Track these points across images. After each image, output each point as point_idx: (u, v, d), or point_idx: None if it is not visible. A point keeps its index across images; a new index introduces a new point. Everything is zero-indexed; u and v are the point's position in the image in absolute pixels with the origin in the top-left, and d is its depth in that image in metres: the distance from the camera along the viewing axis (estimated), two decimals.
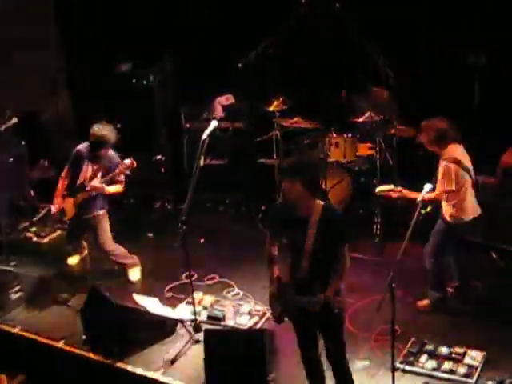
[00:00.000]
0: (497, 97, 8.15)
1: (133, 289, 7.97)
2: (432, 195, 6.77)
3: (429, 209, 7.31)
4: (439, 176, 6.87)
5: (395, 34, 8.57)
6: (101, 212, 8.12)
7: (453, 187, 6.80)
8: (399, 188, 7.05)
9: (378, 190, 7.26)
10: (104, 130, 7.82)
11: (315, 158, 5.67)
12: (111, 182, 7.89)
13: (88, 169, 7.98)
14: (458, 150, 6.95)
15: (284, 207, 5.68)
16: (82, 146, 8.04)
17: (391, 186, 7.06)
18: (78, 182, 8.00)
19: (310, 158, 5.68)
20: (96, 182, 7.87)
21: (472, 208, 7.01)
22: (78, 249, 8.68)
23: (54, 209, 8.20)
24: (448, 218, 7.04)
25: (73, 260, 8.71)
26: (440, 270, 7.26)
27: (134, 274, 8.39)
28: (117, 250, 8.25)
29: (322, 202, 5.54)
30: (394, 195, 7.11)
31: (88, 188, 7.91)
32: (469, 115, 8.19)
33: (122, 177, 7.92)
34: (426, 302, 7.38)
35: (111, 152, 7.97)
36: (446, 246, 7.19)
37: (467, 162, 6.94)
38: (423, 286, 7.51)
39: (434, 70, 8.50)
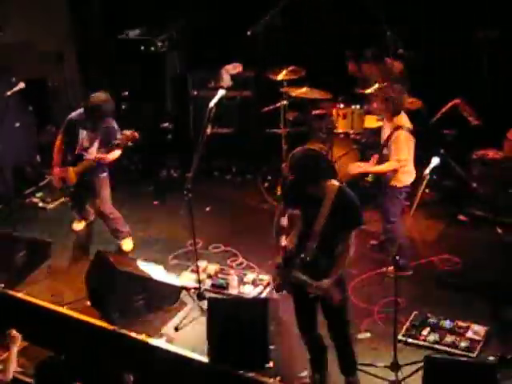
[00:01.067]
0: (505, 71, 8.09)
1: (138, 255, 7.97)
2: (390, 165, 7.03)
3: (371, 176, 7.58)
4: (394, 144, 6.98)
5: (409, 9, 8.50)
6: (102, 175, 8.12)
7: (410, 155, 7.00)
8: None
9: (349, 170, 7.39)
10: (101, 99, 7.76)
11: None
12: (110, 150, 7.86)
13: (84, 137, 7.95)
14: (405, 117, 7.12)
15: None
16: (76, 114, 8.00)
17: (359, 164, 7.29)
18: (76, 151, 7.96)
19: (312, 154, 5.53)
20: (93, 151, 7.86)
21: (413, 171, 7.16)
22: (82, 214, 8.67)
23: (54, 179, 8.21)
24: (395, 182, 7.15)
25: (78, 226, 8.74)
26: (396, 233, 7.24)
27: (128, 244, 8.37)
28: (116, 214, 8.27)
29: (337, 184, 5.52)
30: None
31: (88, 157, 7.88)
32: (479, 90, 8.14)
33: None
34: (390, 268, 7.19)
35: (110, 122, 7.92)
36: (397, 210, 7.29)
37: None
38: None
39: (445, 44, 8.44)
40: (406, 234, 6.02)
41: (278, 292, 6.00)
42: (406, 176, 7.11)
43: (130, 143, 7.86)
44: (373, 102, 7.37)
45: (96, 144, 7.89)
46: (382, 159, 7.14)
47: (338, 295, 5.53)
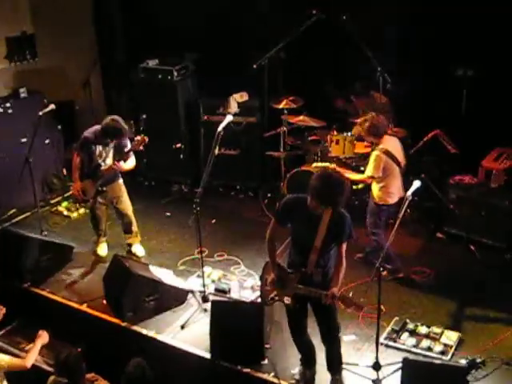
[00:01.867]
0: (481, 105, 8.11)
1: (149, 261, 7.96)
2: (360, 177, 7.30)
3: (360, 186, 7.60)
4: (369, 162, 7.13)
5: (397, 47, 8.53)
6: (119, 181, 8.15)
7: (379, 173, 7.05)
8: (333, 166, 7.41)
9: (314, 164, 7.33)
10: (121, 123, 7.75)
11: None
12: (125, 158, 7.85)
13: (100, 152, 7.91)
14: (390, 142, 7.21)
15: (298, 200, 5.61)
16: (90, 133, 7.92)
17: (327, 164, 7.26)
18: (93, 164, 7.92)
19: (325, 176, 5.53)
20: (109, 162, 7.86)
21: (397, 193, 7.21)
22: (99, 228, 8.38)
23: (75, 192, 8.14)
24: (376, 199, 7.26)
25: (101, 249, 8.45)
26: (380, 244, 7.33)
27: (140, 250, 8.37)
28: (130, 213, 8.26)
29: None
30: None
31: (104, 168, 7.88)
32: (457, 122, 8.16)
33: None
34: (385, 272, 7.19)
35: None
36: (377, 224, 7.37)
37: (397, 153, 7.21)
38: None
39: (428, 80, 8.46)
40: (390, 243, 6.00)
41: (265, 304, 6.08)
42: (386, 196, 7.18)
43: (141, 147, 7.83)
44: (358, 129, 7.43)
45: (110, 155, 7.90)
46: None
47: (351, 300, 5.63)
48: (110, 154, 7.92)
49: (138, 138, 7.80)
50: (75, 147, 8.16)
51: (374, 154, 7.08)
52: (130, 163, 7.95)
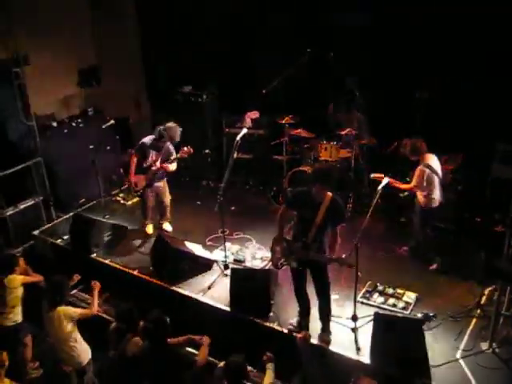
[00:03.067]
0: (432, 120, 8.05)
1: (185, 237, 7.98)
2: (407, 186, 7.00)
3: (406, 193, 7.29)
4: (415, 175, 6.90)
5: (370, 76, 8.49)
6: (164, 179, 8.21)
7: (422, 184, 6.83)
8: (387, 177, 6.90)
9: (372, 175, 7.18)
10: (174, 128, 7.93)
11: (329, 166, 5.63)
12: (171, 162, 7.91)
13: (153, 155, 7.97)
14: (431, 158, 6.96)
15: (302, 192, 5.77)
16: (147, 139, 8.01)
17: (382, 175, 6.89)
18: (147, 164, 7.98)
19: (326, 166, 5.70)
20: (158, 164, 7.91)
21: (438, 199, 6.99)
22: (146, 213, 8.45)
23: (130, 183, 8.24)
24: (421, 204, 7.03)
25: (149, 229, 8.47)
26: (428, 241, 7.22)
27: (168, 226, 8.44)
28: (168, 204, 8.35)
29: (330, 194, 5.60)
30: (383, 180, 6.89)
31: (154, 168, 7.93)
32: (413, 133, 8.12)
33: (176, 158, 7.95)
34: (435, 265, 7.19)
35: (170, 146, 7.97)
36: (422, 223, 7.16)
37: (437, 167, 6.96)
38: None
39: (393, 101, 8.39)
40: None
41: (277, 268, 6.09)
42: (429, 201, 6.96)
43: (186, 155, 7.89)
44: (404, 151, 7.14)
45: (160, 159, 7.94)
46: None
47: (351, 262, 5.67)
48: (160, 159, 7.94)
49: (185, 148, 7.83)
50: (134, 150, 8.19)
51: (419, 168, 6.84)
52: (173, 167, 7.99)
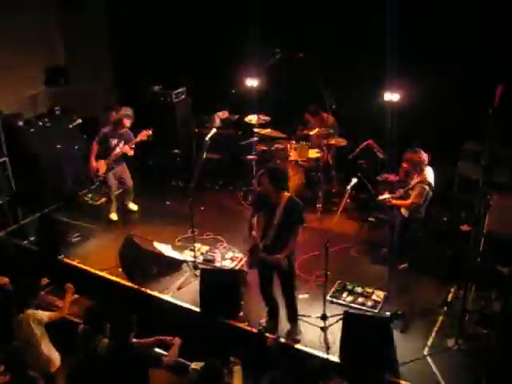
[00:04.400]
0: (402, 122, 8.13)
1: (154, 238, 7.92)
2: (406, 203, 6.91)
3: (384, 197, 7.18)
4: (415, 190, 6.82)
5: (339, 77, 8.53)
6: (124, 163, 8.63)
7: (421, 202, 6.82)
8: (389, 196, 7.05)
9: (379, 198, 7.17)
10: (125, 114, 8.49)
11: (282, 165, 5.60)
12: (131, 146, 8.39)
13: (113, 141, 8.38)
14: (430, 173, 6.91)
15: (263, 195, 5.73)
16: (106, 129, 8.45)
17: (388, 195, 7.00)
18: (107, 149, 8.38)
19: (279, 167, 5.67)
20: (118, 149, 8.36)
21: (423, 211, 7.01)
22: (110, 197, 8.76)
23: (91, 169, 8.47)
24: (404, 214, 6.98)
25: (113, 216, 8.74)
26: (403, 245, 7.17)
27: (133, 206, 8.95)
28: (130, 185, 8.79)
29: (288, 194, 5.61)
30: (390, 202, 7.01)
31: (115, 153, 8.36)
32: (386, 134, 8.19)
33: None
34: (405, 265, 7.23)
35: (128, 132, 8.44)
36: (402, 231, 7.07)
37: (433, 180, 6.91)
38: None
39: (362, 103, 8.45)
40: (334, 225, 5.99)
41: (250, 268, 6.08)
42: (416, 213, 6.94)
43: (146, 138, 8.41)
44: (404, 164, 7.18)
45: (121, 145, 8.35)
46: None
47: (286, 265, 5.67)
48: (120, 145, 8.35)
49: (144, 131, 8.36)
50: (96, 138, 8.46)
51: (420, 185, 6.77)
52: (132, 151, 8.42)
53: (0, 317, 6.34)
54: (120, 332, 5.19)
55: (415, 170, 6.92)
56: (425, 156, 6.87)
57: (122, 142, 8.36)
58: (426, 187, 6.80)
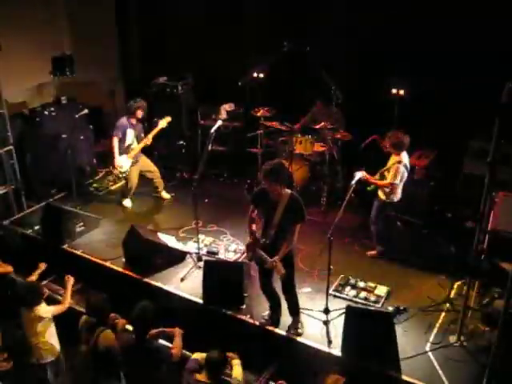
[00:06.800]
0: (408, 117, 8.10)
1: (158, 229, 7.94)
2: (384, 183, 6.93)
3: (372, 187, 7.11)
4: (391, 171, 6.86)
5: (346, 70, 8.50)
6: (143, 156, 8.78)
7: (397, 181, 6.84)
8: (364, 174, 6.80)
9: (356, 175, 7.06)
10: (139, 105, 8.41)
11: (278, 161, 5.52)
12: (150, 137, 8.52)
13: (131, 133, 8.43)
14: (406, 157, 6.95)
15: (264, 191, 5.63)
16: (123, 120, 8.45)
17: (365, 173, 6.77)
18: (128, 143, 8.46)
19: (280, 163, 5.59)
20: (150, 137, 8.51)
21: (400, 193, 7.03)
22: (128, 191, 8.81)
23: (114, 167, 8.53)
24: (383, 198, 7.05)
25: (127, 203, 8.86)
26: (378, 231, 7.28)
27: (166, 195, 9.05)
28: (158, 175, 8.95)
29: (288, 192, 5.56)
30: (367, 179, 6.87)
31: (135, 146, 8.47)
32: (390, 128, 8.14)
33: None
34: (374, 252, 7.37)
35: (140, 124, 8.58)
36: (380, 217, 7.19)
37: (409, 164, 6.99)
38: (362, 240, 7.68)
39: (370, 97, 8.42)
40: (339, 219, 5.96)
41: (250, 261, 6.06)
42: (393, 195, 7.03)
43: (166, 125, 8.55)
44: (385, 140, 7.10)
45: (142, 135, 8.54)
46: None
47: (282, 269, 5.58)
48: (141, 136, 8.52)
49: (161, 120, 8.49)
50: (115, 131, 8.45)
51: (397, 166, 6.81)
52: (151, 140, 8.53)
53: (3, 305, 6.41)
54: (143, 325, 5.31)
55: (394, 150, 6.92)
56: (407, 140, 6.88)
57: (142, 134, 8.51)
58: (402, 167, 6.84)
